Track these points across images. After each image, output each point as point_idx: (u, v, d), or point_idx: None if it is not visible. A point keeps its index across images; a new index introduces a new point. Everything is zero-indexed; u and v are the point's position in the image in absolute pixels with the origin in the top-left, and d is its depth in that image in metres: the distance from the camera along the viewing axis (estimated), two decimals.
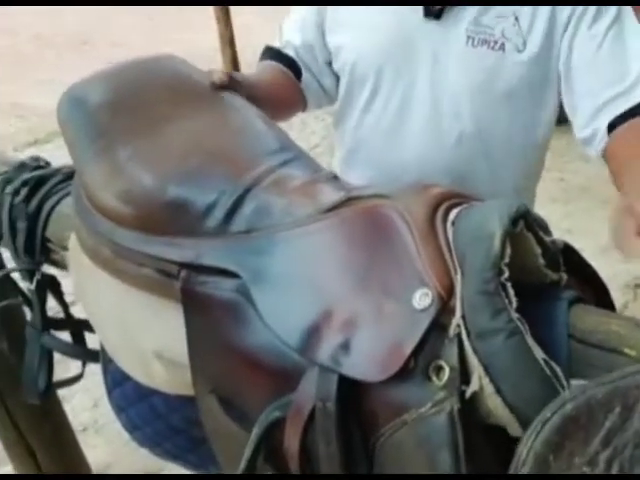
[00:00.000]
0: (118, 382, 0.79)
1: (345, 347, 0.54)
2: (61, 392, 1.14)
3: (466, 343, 0.50)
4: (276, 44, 1.14)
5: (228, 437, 0.64)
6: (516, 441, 0.48)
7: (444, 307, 0.51)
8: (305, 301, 0.58)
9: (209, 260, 0.63)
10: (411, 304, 0.52)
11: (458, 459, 0.50)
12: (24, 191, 0.87)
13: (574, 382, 0.49)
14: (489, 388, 0.49)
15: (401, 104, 1.06)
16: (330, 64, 1.14)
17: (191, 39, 6.04)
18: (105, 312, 0.73)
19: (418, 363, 0.51)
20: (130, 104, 0.71)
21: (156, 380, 0.70)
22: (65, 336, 0.96)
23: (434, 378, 0.51)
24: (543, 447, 0.45)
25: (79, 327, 0.95)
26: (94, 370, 0.97)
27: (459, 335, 0.50)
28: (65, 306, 0.94)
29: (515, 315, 0.49)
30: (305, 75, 1.12)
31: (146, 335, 0.68)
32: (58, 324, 0.93)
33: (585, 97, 0.97)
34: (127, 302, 0.69)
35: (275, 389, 0.59)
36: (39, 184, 0.87)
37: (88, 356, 0.92)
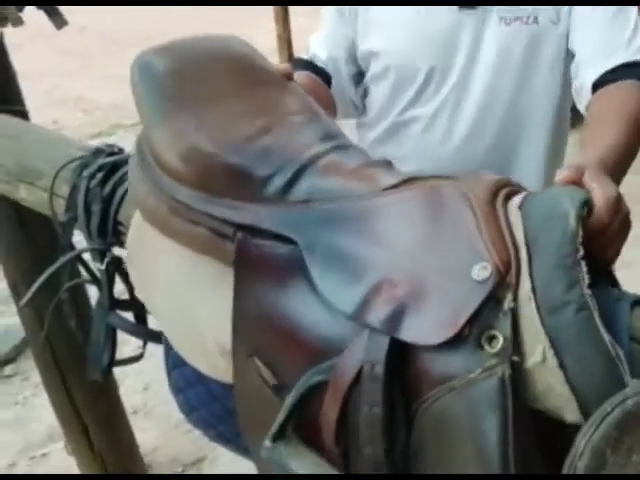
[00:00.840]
0: (178, 364, 0.81)
1: (399, 312, 0.56)
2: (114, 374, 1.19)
3: (535, 317, 0.51)
4: (304, 57, 1.19)
5: (260, 402, 0.66)
6: (559, 432, 0.50)
7: (501, 281, 0.53)
8: (361, 272, 0.59)
9: (266, 224, 0.65)
10: (470, 276, 0.54)
11: (506, 427, 0.50)
12: (99, 176, 0.92)
13: (635, 381, 0.49)
14: (553, 361, 0.50)
15: (447, 98, 1.10)
16: (354, 77, 1.19)
17: (249, 39, 6.28)
18: (162, 284, 0.75)
19: (472, 331, 0.52)
20: (195, 74, 0.75)
21: (219, 373, 0.71)
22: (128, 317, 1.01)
23: (486, 346, 0.52)
24: (601, 441, 0.46)
25: (143, 309, 1.00)
26: (147, 354, 1.03)
27: (513, 309, 0.52)
28: (131, 288, 0.99)
29: (587, 291, 0.50)
30: (334, 84, 1.16)
31: (208, 325, 0.70)
32: (124, 304, 0.98)
33: (579, 45, 1.02)
34: (183, 270, 0.72)
35: (318, 356, 0.60)
36: (113, 169, 0.93)
37: (151, 336, 0.96)
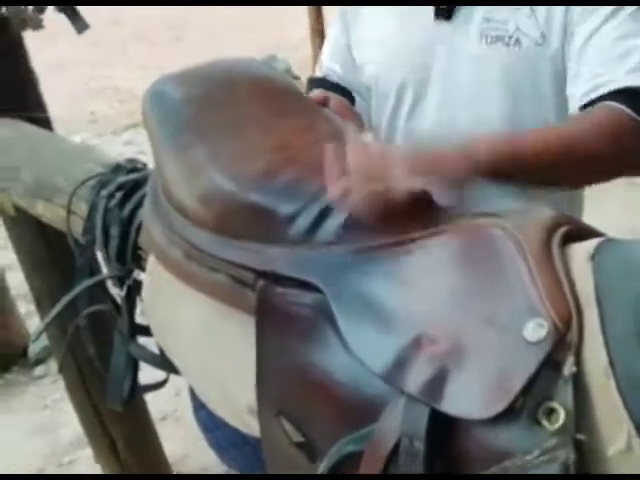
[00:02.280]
0: (209, 429, 0.78)
1: (440, 378, 0.49)
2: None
3: (613, 392, 0.43)
4: (318, 74, 1.12)
5: (289, 465, 0.60)
6: None
7: (560, 341, 0.46)
8: (395, 324, 0.53)
9: (289, 270, 0.59)
10: (522, 335, 0.47)
11: None
12: (119, 195, 0.88)
13: None
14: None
15: (422, 111, 1.02)
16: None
17: (279, 27, 6.30)
18: (184, 337, 0.70)
19: (526, 403, 0.46)
20: (216, 100, 0.70)
21: (252, 430, 0.66)
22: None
23: (544, 422, 0.46)
24: None
25: None
26: None
27: (575, 375, 0.45)
28: None
29: None
30: (357, 98, 1.09)
31: (235, 385, 0.65)
32: (145, 330, 0.94)
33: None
34: (205, 321, 0.67)
35: (350, 418, 0.55)
36: (134, 189, 0.88)
37: (173, 368, 0.92)
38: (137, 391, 0.97)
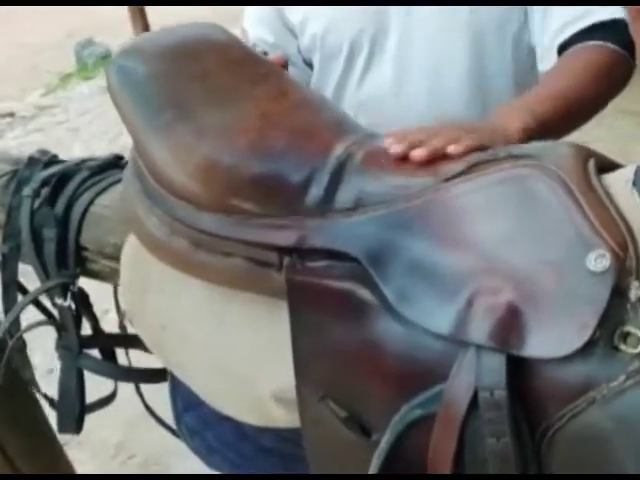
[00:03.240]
0: (193, 405, 0.71)
1: (509, 322, 0.49)
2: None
3: None
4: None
5: (341, 447, 0.58)
6: None
7: (622, 269, 0.47)
8: (446, 276, 0.52)
9: (318, 241, 0.55)
10: (586, 267, 0.48)
11: None
12: (45, 192, 0.77)
13: None
14: None
15: (378, 65, 1.00)
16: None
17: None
18: (188, 337, 0.65)
19: (602, 332, 0.47)
20: (186, 73, 0.64)
21: (276, 422, 0.62)
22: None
23: (622, 347, 0.48)
24: None
25: (111, 342, 0.86)
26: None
27: None
28: (95, 320, 0.86)
29: None
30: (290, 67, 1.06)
31: (258, 374, 0.60)
32: (91, 342, 0.84)
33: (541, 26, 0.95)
34: (216, 315, 0.62)
35: (406, 386, 0.53)
36: (62, 182, 0.77)
37: (131, 376, 0.84)
38: (88, 410, 0.87)
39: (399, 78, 0.99)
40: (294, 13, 1.03)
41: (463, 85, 0.99)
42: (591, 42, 0.88)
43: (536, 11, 0.95)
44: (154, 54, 0.64)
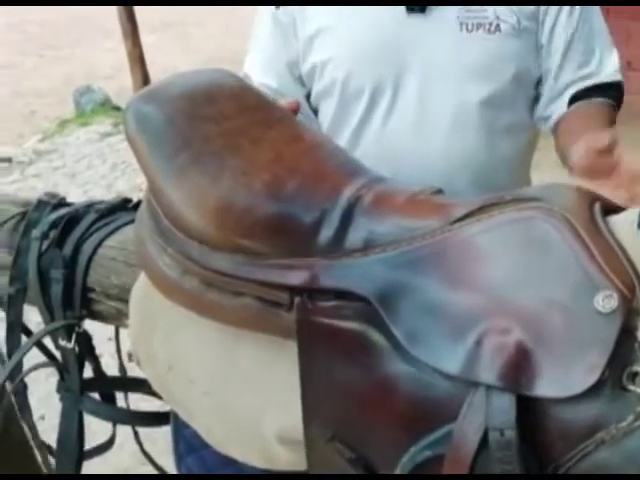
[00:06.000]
0: (195, 448, 0.72)
1: (518, 363, 0.50)
2: None
3: None
4: None
5: None
6: None
7: (629, 309, 0.49)
8: (456, 316, 0.54)
9: (328, 281, 0.57)
10: (594, 308, 0.49)
11: None
12: (53, 234, 0.79)
13: None
14: None
15: (400, 109, 1.05)
16: (307, 96, 1.12)
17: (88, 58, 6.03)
18: (195, 377, 0.65)
19: (610, 372, 0.49)
20: (202, 116, 0.66)
21: (280, 464, 0.63)
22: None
23: (631, 387, 0.49)
24: None
25: (112, 386, 0.87)
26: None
27: None
28: (98, 363, 0.86)
29: None
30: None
31: (263, 414, 0.61)
32: (94, 385, 0.84)
33: (556, 75, 1.06)
34: (223, 354, 0.63)
35: (414, 427, 0.54)
36: (70, 224, 0.79)
37: (132, 419, 0.84)
38: (87, 454, 0.87)
39: (420, 117, 1.05)
40: (309, 59, 1.07)
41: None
42: (600, 99, 1.04)
43: (552, 62, 1.06)
44: (169, 98, 0.67)
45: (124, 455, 1.11)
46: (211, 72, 0.72)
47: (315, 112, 1.13)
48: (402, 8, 1.01)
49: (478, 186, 1.05)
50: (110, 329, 0.88)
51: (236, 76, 0.73)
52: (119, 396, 0.89)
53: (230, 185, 0.61)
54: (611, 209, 0.58)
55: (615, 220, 0.55)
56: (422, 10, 1.01)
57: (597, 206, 0.55)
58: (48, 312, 0.78)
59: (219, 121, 0.65)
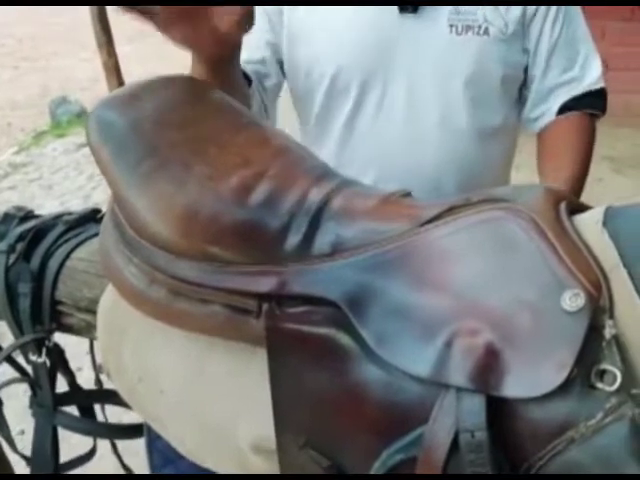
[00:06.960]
0: (170, 459, 0.71)
1: (487, 363, 0.50)
2: None
3: None
4: None
5: None
6: None
7: (596, 307, 0.50)
8: (425, 318, 0.54)
9: (296, 287, 0.57)
10: (561, 307, 0.50)
11: None
12: (20, 247, 0.78)
13: None
14: None
15: (389, 107, 1.08)
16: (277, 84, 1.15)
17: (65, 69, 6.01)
18: (166, 388, 0.65)
19: (579, 371, 0.49)
20: (167, 122, 0.65)
21: (253, 471, 0.62)
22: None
23: (599, 384, 0.49)
24: None
25: (91, 398, 0.86)
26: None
27: (616, 337, 0.49)
28: (72, 376, 0.85)
29: None
30: (253, 85, 1.11)
31: (236, 424, 0.61)
32: (67, 399, 0.83)
33: (541, 79, 1.11)
34: (193, 363, 0.62)
35: (386, 431, 0.54)
36: (38, 237, 0.78)
37: (109, 433, 0.83)
38: (62, 468, 0.85)
39: (409, 115, 1.07)
40: (297, 50, 1.09)
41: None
42: (587, 110, 1.11)
43: (537, 66, 1.10)
44: (132, 104, 0.66)
45: (106, 467, 1.10)
46: (177, 77, 0.72)
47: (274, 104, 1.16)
48: (394, 8, 1.03)
49: (467, 185, 1.07)
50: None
51: (203, 81, 0.73)
52: (104, 408, 0.88)
53: (196, 191, 0.60)
54: (577, 208, 0.58)
55: (580, 219, 0.56)
56: (414, 10, 1.02)
57: (563, 205, 0.56)
58: (17, 327, 0.77)
59: (184, 126, 0.65)
